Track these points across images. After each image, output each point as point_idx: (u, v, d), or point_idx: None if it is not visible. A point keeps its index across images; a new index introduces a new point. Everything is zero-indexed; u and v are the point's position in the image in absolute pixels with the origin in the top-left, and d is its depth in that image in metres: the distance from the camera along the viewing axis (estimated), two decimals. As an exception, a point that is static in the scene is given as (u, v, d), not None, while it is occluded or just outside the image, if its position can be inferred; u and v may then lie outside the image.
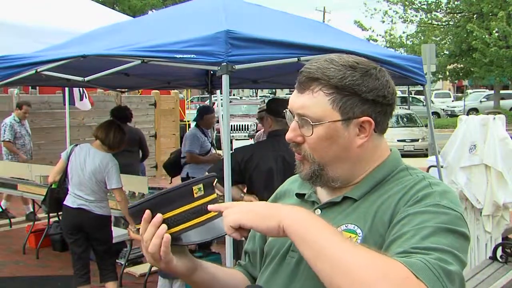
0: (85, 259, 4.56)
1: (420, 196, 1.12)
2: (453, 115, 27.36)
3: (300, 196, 1.35)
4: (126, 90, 7.63)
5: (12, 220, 7.74)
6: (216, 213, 1.18)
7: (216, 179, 1.26)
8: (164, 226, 1.14)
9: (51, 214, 6.45)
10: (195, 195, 1.16)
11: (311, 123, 1.19)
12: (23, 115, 7.88)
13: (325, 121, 1.18)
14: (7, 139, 7.74)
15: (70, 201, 4.45)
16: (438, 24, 24.54)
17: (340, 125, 1.19)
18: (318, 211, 1.27)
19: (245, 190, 4.03)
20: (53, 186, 4.71)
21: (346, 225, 1.19)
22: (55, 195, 4.70)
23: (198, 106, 25.65)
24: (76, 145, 4.60)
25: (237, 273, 1.44)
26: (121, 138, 4.49)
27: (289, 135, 1.24)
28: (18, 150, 7.80)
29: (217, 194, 1.25)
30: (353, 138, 1.20)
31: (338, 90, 1.18)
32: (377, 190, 1.22)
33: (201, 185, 1.16)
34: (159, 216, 1.14)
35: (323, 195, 1.30)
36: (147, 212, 1.15)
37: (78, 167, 4.39)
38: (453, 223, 1.07)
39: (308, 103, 1.20)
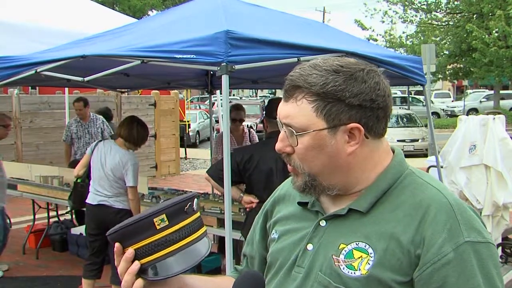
0: (100, 257, 4.58)
1: (447, 230, 1.08)
2: (453, 115, 27.41)
3: (302, 204, 1.28)
4: (126, 90, 7.63)
5: (12, 220, 7.73)
6: (192, 239, 1.12)
7: (190, 203, 1.17)
8: (136, 264, 1.08)
9: (51, 214, 6.50)
10: (158, 227, 1.08)
11: (295, 133, 1.14)
12: (77, 113, 7.15)
13: (310, 130, 1.13)
14: (63, 140, 7.32)
15: (91, 198, 4.51)
16: (438, 24, 24.52)
17: (326, 133, 1.13)
18: (323, 222, 1.21)
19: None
20: (78, 181, 4.77)
21: (357, 243, 1.13)
22: (79, 190, 4.74)
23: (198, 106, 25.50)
24: (101, 140, 4.67)
25: (231, 282, 1.37)
26: (143, 134, 4.53)
27: (278, 146, 1.19)
28: (71, 153, 7.23)
29: (198, 214, 1.17)
30: (342, 146, 1.14)
31: (321, 97, 1.12)
32: (386, 201, 1.15)
33: (163, 216, 1.08)
34: (130, 252, 1.08)
35: (327, 203, 1.23)
36: (117, 245, 1.10)
37: (99, 163, 4.44)
38: (493, 264, 1.07)
39: (292, 112, 1.15)
